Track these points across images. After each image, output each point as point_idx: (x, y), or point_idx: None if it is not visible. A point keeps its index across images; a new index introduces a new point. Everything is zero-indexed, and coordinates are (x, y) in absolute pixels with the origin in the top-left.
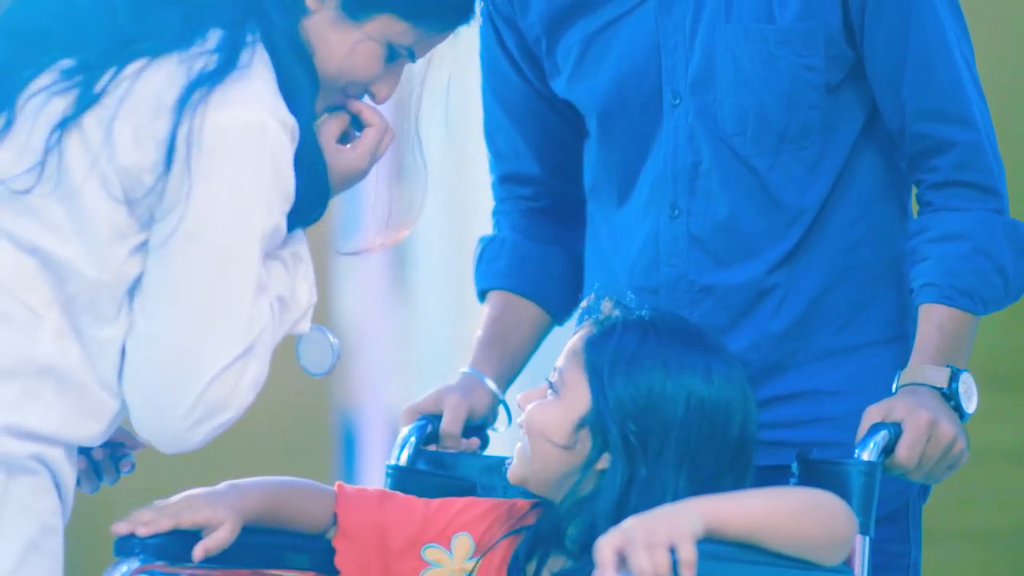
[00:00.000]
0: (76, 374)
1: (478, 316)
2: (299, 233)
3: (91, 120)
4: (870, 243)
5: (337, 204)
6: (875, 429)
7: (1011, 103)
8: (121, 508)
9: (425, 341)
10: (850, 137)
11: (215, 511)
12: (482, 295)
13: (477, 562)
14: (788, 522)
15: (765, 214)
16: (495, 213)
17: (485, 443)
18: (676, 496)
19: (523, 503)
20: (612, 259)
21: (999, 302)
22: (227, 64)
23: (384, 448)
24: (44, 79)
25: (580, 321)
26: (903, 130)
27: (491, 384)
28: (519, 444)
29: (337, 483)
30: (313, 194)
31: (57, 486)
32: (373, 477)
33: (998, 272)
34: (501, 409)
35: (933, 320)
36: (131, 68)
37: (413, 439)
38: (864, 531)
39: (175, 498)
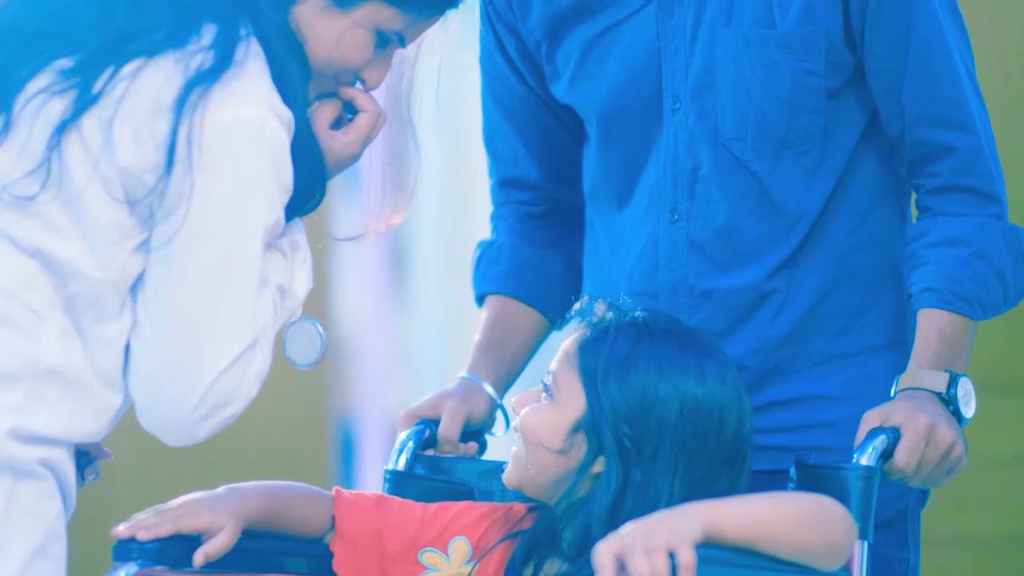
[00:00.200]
0: (80, 374)
1: (476, 321)
2: (297, 222)
3: (90, 122)
4: (870, 248)
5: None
6: (874, 434)
7: (1009, 109)
8: (119, 511)
9: (423, 345)
10: (850, 142)
11: (215, 516)
12: (480, 300)
13: (474, 566)
14: (787, 527)
15: (765, 219)
16: (493, 218)
17: (483, 447)
18: (671, 499)
19: (520, 507)
20: (611, 264)
21: (998, 307)
22: (223, 61)
23: (382, 452)
24: (41, 80)
25: (567, 322)
26: (903, 135)
27: (489, 389)
28: (514, 448)
29: (335, 488)
30: (310, 183)
31: (61, 490)
32: (371, 481)
33: (997, 277)
34: (499, 413)
35: (932, 325)
36: (128, 68)
37: (411, 444)
38: (863, 536)
39: (175, 502)
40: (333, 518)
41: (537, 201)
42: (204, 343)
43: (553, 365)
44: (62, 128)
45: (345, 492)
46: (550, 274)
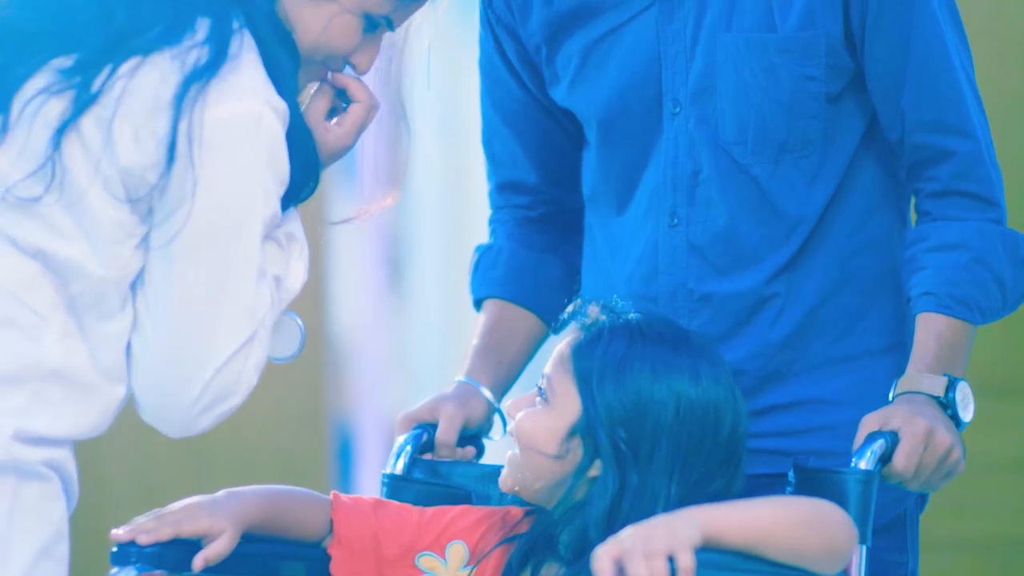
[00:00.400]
0: (83, 374)
1: (474, 324)
2: (293, 213)
3: (89, 122)
4: (869, 252)
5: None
6: (872, 438)
7: (1008, 112)
8: (117, 513)
9: (421, 348)
10: (850, 147)
11: (215, 520)
12: (478, 304)
13: (471, 570)
14: (787, 532)
15: (764, 223)
16: (491, 221)
17: (480, 452)
18: (668, 501)
19: (517, 511)
20: (611, 267)
21: (997, 312)
22: (219, 55)
23: (380, 455)
24: (40, 79)
25: (564, 326)
26: (903, 140)
27: (487, 393)
28: (510, 453)
29: (332, 492)
30: (303, 172)
31: (65, 490)
32: (369, 484)
33: (996, 282)
34: (496, 418)
35: (931, 329)
36: (126, 66)
37: (409, 448)
38: (861, 540)
39: (175, 506)
40: (331, 522)
41: (535, 205)
42: (205, 337)
43: (547, 369)
44: (62, 129)
45: (343, 496)
46: (548, 278)
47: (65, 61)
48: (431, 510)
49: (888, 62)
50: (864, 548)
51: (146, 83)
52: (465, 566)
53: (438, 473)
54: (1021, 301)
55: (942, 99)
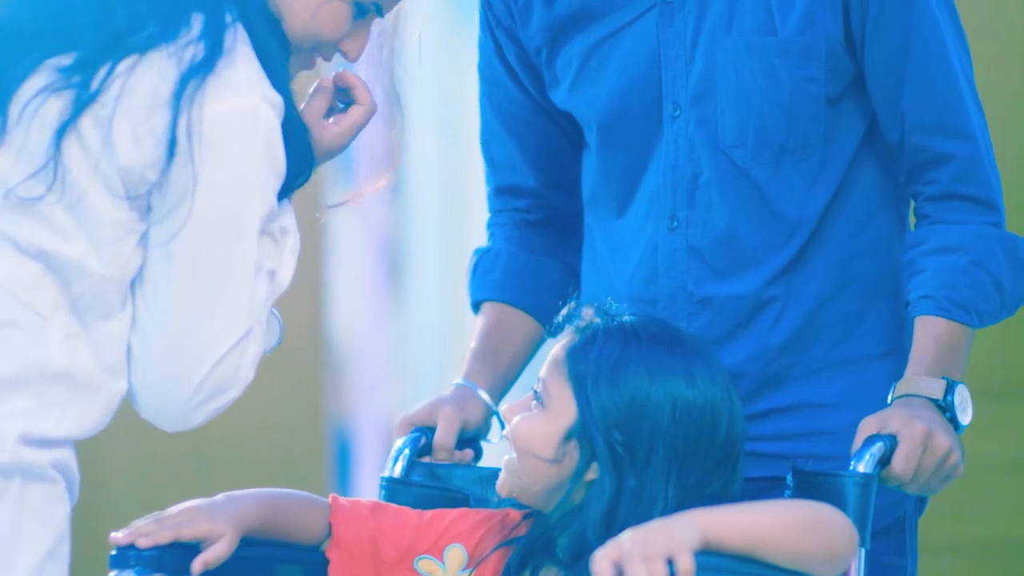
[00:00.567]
0: (88, 374)
1: (472, 327)
2: (287, 206)
3: (88, 122)
4: (869, 256)
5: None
6: (871, 441)
7: (1006, 114)
8: (114, 516)
9: (419, 352)
10: (850, 149)
11: (214, 524)
12: (476, 307)
13: (470, 573)
14: (786, 535)
15: (764, 226)
16: (490, 225)
17: (478, 455)
18: (666, 504)
19: (516, 514)
20: (610, 270)
21: (995, 315)
22: (214, 51)
23: (378, 459)
24: (39, 79)
25: (561, 329)
26: (902, 142)
27: (484, 395)
28: (507, 457)
29: (331, 495)
30: (297, 163)
31: (69, 490)
32: (367, 488)
33: (995, 285)
34: (494, 420)
35: (929, 332)
36: (123, 65)
37: (407, 451)
38: (860, 543)
39: (174, 509)
40: (330, 525)
41: (534, 208)
42: (203, 331)
43: (543, 372)
44: (63, 129)
45: (342, 499)
46: (547, 281)
47: (64, 60)
48: (429, 513)
49: (888, 64)
50: (863, 551)
51: (144, 81)
52: (464, 569)
53: (436, 476)
54: (1020, 304)
55: (942, 101)
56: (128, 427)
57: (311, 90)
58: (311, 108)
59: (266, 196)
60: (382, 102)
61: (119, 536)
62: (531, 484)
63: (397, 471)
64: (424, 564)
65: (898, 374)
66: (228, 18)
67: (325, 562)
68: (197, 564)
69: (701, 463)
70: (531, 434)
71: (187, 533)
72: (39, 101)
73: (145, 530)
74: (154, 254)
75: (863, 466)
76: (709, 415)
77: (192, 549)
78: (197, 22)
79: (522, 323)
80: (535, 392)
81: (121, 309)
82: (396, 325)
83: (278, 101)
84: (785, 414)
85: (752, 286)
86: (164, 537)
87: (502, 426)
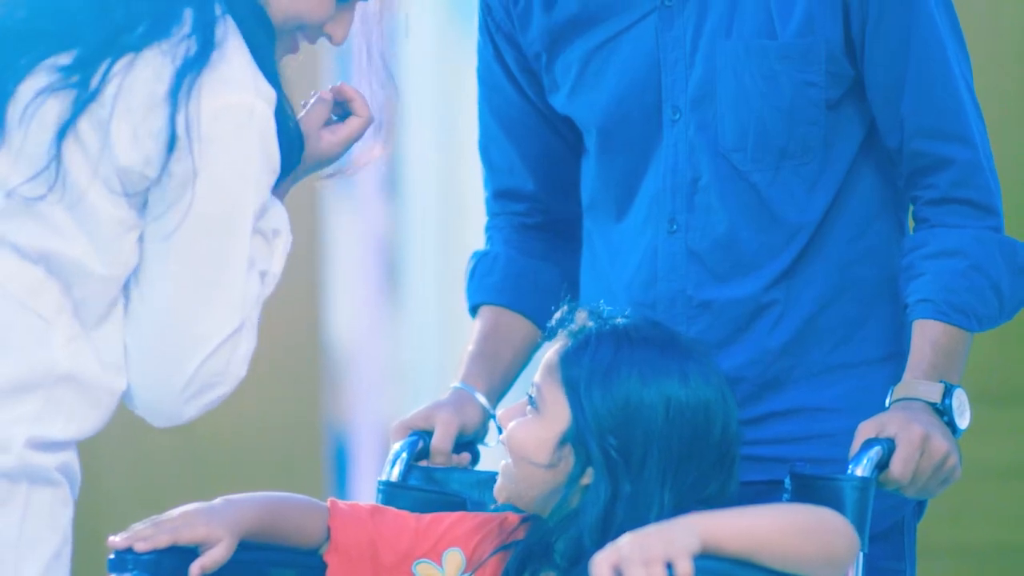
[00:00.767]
0: (91, 375)
1: (470, 331)
2: (280, 207)
3: (87, 123)
4: (868, 260)
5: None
6: (869, 444)
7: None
8: (113, 519)
9: (417, 355)
10: (849, 154)
11: (212, 528)
12: (474, 310)
13: None
14: (785, 539)
15: (764, 230)
16: (488, 228)
17: (476, 458)
18: (662, 507)
19: (514, 517)
20: (610, 274)
21: (994, 320)
22: (206, 45)
23: (376, 463)
24: (37, 79)
25: (555, 333)
26: (901, 147)
27: (482, 399)
28: (503, 462)
29: (330, 499)
30: (287, 150)
31: (72, 493)
32: (365, 492)
33: (993, 290)
34: (492, 424)
35: (928, 336)
36: (121, 63)
37: (404, 455)
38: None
39: (173, 513)
40: (328, 529)
41: (532, 212)
42: (196, 324)
43: (537, 377)
44: (64, 130)
45: (340, 503)
46: (545, 285)
47: (63, 59)
48: (428, 517)
49: (887, 69)
50: (861, 555)
51: (141, 80)
52: (462, 573)
53: (434, 480)
54: (1018, 309)
55: (941, 106)
56: (126, 429)
57: (311, 100)
58: (310, 117)
59: (260, 191)
60: (375, 80)
61: (117, 540)
62: (527, 490)
63: (395, 475)
64: (423, 568)
65: (897, 378)
66: (217, 10)
67: (323, 566)
68: (195, 568)
69: (696, 464)
70: (526, 440)
71: (185, 537)
72: (39, 102)
73: (143, 534)
74: (151, 249)
75: (861, 470)
76: (703, 415)
77: (190, 553)
78: (188, 17)
79: (520, 327)
80: (530, 397)
81: (119, 307)
82: (394, 328)
83: (272, 95)
84: (784, 418)
85: (751, 290)
86: (162, 541)
87: (499, 430)
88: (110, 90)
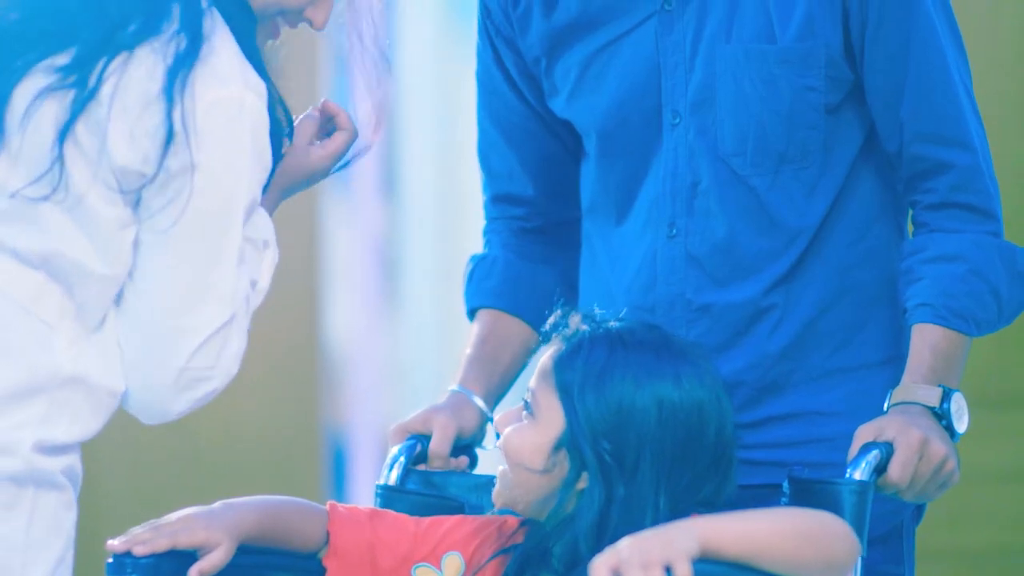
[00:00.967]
0: (93, 376)
1: (468, 334)
2: (268, 220)
3: (85, 124)
4: (867, 264)
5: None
6: (867, 448)
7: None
8: (111, 522)
9: (415, 359)
10: (849, 158)
11: (211, 533)
12: (472, 313)
13: None
14: (785, 544)
15: (763, 234)
16: (486, 232)
17: (474, 461)
18: (657, 511)
19: (513, 520)
20: (609, 278)
21: (992, 324)
22: (195, 40)
23: (374, 466)
24: (35, 80)
25: (549, 337)
26: (901, 151)
27: (479, 402)
28: (501, 467)
29: (329, 502)
30: (275, 135)
31: (75, 496)
32: (363, 495)
33: (992, 295)
34: (490, 427)
35: (926, 340)
36: (116, 62)
37: (402, 459)
38: None
39: (171, 517)
40: (328, 533)
41: (531, 216)
42: (187, 316)
43: (532, 383)
44: (64, 131)
45: (340, 506)
46: (543, 288)
47: (60, 59)
48: (427, 520)
49: (887, 73)
50: (859, 559)
51: (135, 79)
52: None
53: (432, 484)
54: (1017, 314)
55: (941, 111)
56: (124, 432)
57: (300, 117)
58: (299, 133)
59: (252, 185)
60: (370, 63)
61: (116, 543)
62: (524, 495)
63: (393, 479)
64: (422, 572)
65: (896, 382)
66: (203, 2)
67: (322, 570)
68: (193, 572)
69: (691, 466)
70: (521, 446)
71: (184, 541)
72: (37, 104)
73: (142, 538)
74: (148, 244)
75: (859, 473)
76: (696, 416)
77: (189, 557)
78: (176, 12)
79: (518, 330)
80: (525, 403)
81: (115, 306)
82: (391, 331)
83: (261, 87)
84: (784, 422)
85: (751, 294)
86: (161, 545)
87: (497, 434)
88: (107, 89)
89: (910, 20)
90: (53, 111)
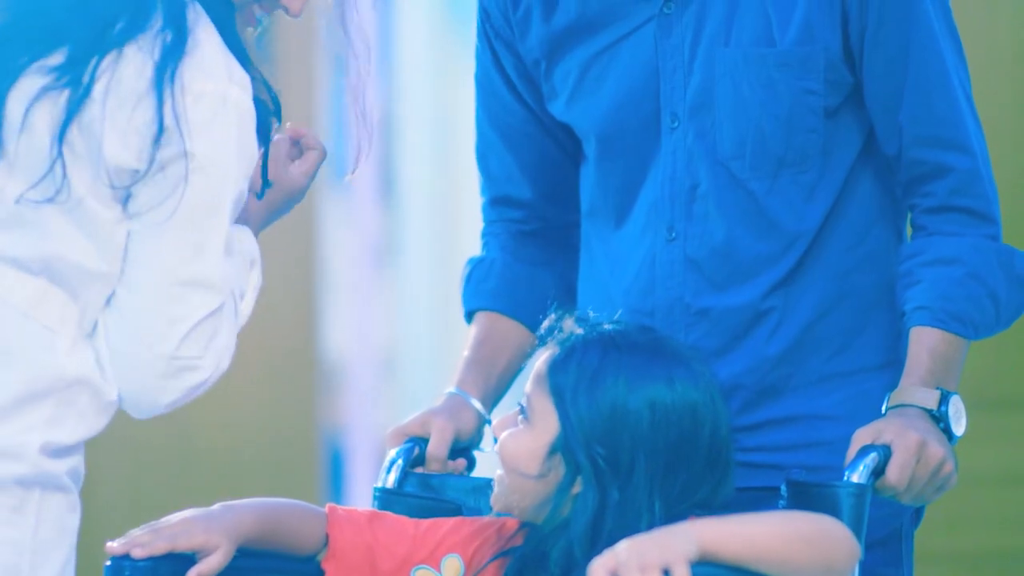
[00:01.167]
0: (94, 377)
1: (465, 337)
2: (254, 242)
3: (80, 123)
4: (866, 268)
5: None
6: (865, 451)
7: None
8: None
9: (412, 361)
10: (847, 162)
11: (210, 536)
12: (469, 316)
13: None
14: (784, 547)
15: (762, 238)
16: (484, 234)
17: (472, 464)
18: (651, 514)
19: (512, 522)
20: (608, 281)
21: (990, 328)
22: (180, 34)
23: (372, 469)
24: (30, 82)
25: (545, 341)
26: (900, 155)
27: (477, 405)
28: (498, 472)
29: (328, 504)
30: (262, 119)
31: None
32: (361, 498)
33: (990, 298)
34: (488, 429)
35: (924, 343)
36: (107, 60)
37: (400, 461)
38: None
39: (171, 519)
40: (327, 535)
41: (529, 219)
42: (176, 305)
43: (527, 387)
44: (63, 133)
45: (339, 508)
46: (541, 291)
47: (54, 59)
48: (426, 522)
49: (886, 77)
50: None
51: (125, 77)
52: None
53: (429, 487)
54: (1015, 317)
55: (940, 115)
56: (122, 434)
57: (273, 139)
58: (276, 153)
59: (239, 177)
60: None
61: (115, 546)
62: (520, 500)
63: (390, 482)
64: (421, 574)
65: (895, 385)
66: None
67: (321, 573)
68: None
69: (686, 468)
70: (517, 451)
71: (183, 544)
72: (33, 106)
73: (141, 540)
74: (141, 237)
75: (857, 476)
76: (690, 418)
77: (188, 560)
78: (160, 7)
79: (516, 333)
80: (521, 407)
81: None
82: (389, 334)
83: (246, 81)
84: (782, 425)
85: (749, 298)
86: (160, 548)
87: (495, 438)
88: (99, 87)
89: (909, 23)
90: (49, 113)
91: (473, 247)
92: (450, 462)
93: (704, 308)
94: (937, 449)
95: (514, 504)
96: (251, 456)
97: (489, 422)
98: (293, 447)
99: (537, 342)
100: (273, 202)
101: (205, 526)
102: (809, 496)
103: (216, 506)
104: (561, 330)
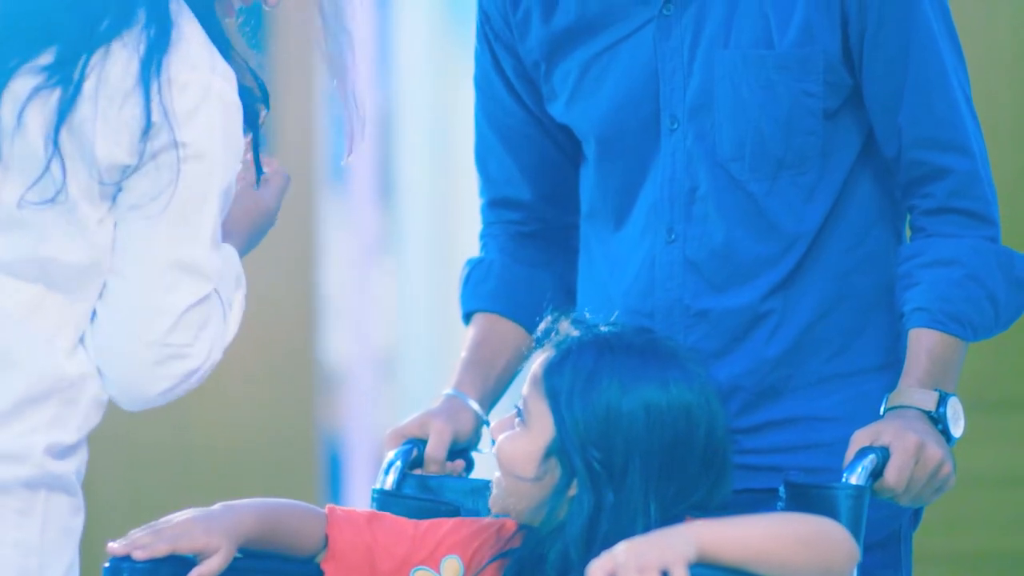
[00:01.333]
0: (93, 375)
1: (463, 338)
2: (239, 262)
3: (73, 120)
4: (865, 270)
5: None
6: (863, 453)
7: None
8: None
9: (411, 364)
10: (847, 164)
11: (211, 538)
12: (467, 317)
13: None
14: (783, 549)
15: (761, 240)
16: (483, 236)
17: (470, 466)
18: (647, 517)
19: (511, 524)
20: (608, 283)
21: (989, 329)
22: (163, 28)
23: (370, 471)
24: (23, 82)
25: (542, 343)
26: (899, 156)
27: (475, 406)
28: (495, 474)
29: (328, 505)
30: (248, 105)
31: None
32: (359, 500)
33: (989, 300)
34: (486, 431)
35: (923, 344)
36: (96, 57)
37: (399, 463)
38: None
39: (171, 520)
40: (326, 536)
41: (528, 221)
42: (164, 294)
43: (524, 390)
44: (57, 132)
45: (338, 509)
46: (540, 292)
47: (45, 58)
48: (426, 523)
49: (886, 79)
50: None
51: (113, 74)
52: None
53: (428, 488)
54: (1014, 319)
55: (939, 116)
56: (121, 435)
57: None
58: (245, 177)
59: (226, 168)
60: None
61: (115, 547)
62: (517, 503)
63: (389, 483)
64: (420, 575)
65: (894, 387)
66: None
67: (320, 574)
68: None
69: (681, 470)
70: (513, 454)
71: (184, 547)
72: (26, 107)
73: (141, 542)
74: (126, 227)
75: (855, 478)
76: (684, 420)
77: (187, 562)
78: (143, 1)
79: (514, 334)
80: (518, 410)
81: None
82: (388, 336)
83: (229, 73)
84: (781, 427)
85: (749, 299)
86: (160, 550)
87: (492, 440)
88: (89, 85)
89: (909, 25)
90: (42, 113)
91: (472, 248)
92: (448, 463)
93: (703, 310)
94: (935, 450)
95: (511, 506)
96: (250, 457)
97: (487, 423)
98: (292, 448)
99: (534, 344)
100: (250, 225)
101: (206, 527)
102: (808, 498)
103: (216, 506)
104: (558, 332)
